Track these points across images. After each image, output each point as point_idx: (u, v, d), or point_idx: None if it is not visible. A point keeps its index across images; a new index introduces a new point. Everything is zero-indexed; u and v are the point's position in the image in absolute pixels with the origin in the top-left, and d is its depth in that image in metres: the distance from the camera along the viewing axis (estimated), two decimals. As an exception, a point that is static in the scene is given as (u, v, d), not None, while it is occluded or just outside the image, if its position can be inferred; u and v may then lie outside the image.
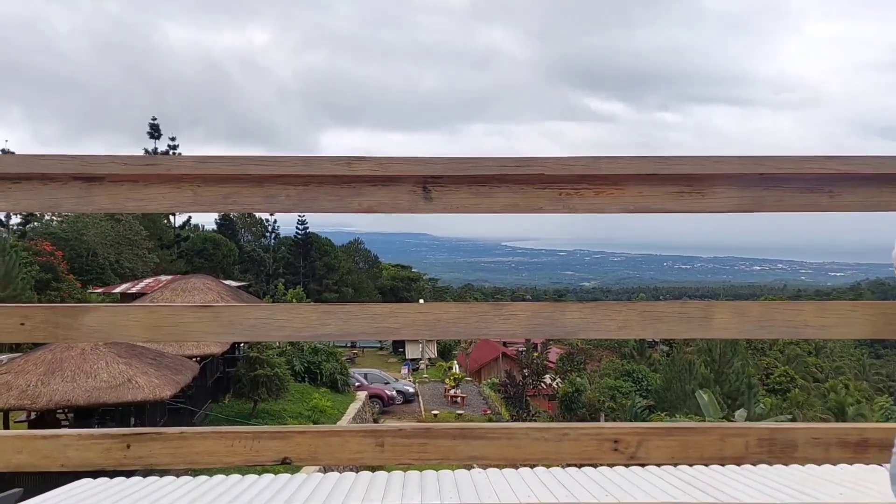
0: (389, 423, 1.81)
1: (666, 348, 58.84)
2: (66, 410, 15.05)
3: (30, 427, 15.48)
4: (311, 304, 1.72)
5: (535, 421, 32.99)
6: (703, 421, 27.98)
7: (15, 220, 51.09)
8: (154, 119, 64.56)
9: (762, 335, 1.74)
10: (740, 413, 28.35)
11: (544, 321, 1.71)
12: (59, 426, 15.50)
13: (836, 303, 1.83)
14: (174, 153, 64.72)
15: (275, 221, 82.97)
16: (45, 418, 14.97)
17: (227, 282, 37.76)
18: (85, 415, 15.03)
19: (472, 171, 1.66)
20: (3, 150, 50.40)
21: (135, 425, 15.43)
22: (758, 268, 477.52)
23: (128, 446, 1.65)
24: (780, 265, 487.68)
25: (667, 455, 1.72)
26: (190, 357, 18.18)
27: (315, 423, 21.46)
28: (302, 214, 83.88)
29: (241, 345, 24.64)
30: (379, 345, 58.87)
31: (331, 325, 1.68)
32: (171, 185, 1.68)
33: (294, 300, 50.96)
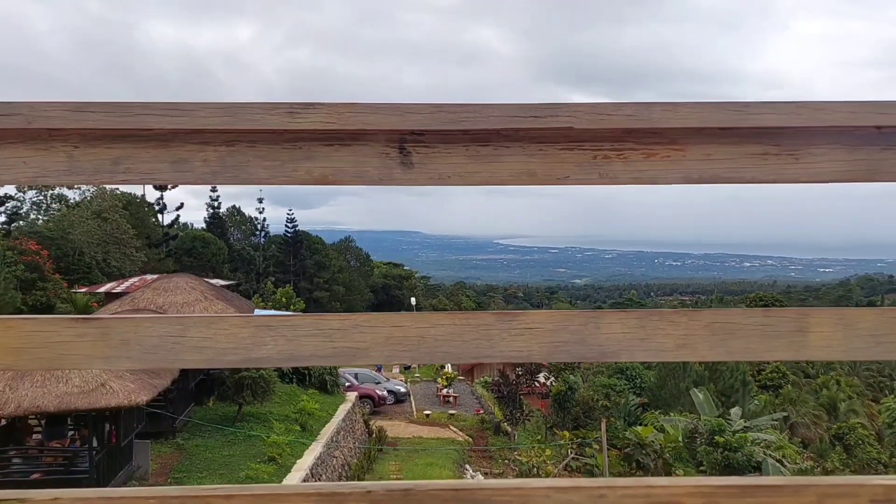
0: (354, 484, 1.25)
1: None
2: (38, 416, 14.46)
3: (0, 435, 14.91)
4: (244, 316, 1.23)
5: (528, 421, 32.57)
6: (706, 419, 27.66)
7: None
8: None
9: (880, 356, 1.25)
10: (735, 411, 28.03)
11: (571, 337, 1.23)
12: (31, 433, 14.90)
13: None
14: (162, 151, 63.98)
15: (264, 219, 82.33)
16: (16, 424, 14.37)
17: (215, 280, 37.16)
18: (57, 421, 14.42)
19: (469, 122, 1.19)
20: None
21: (110, 432, 14.86)
22: (748, 264, 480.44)
23: None
24: (770, 261, 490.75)
25: None
26: (170, 359, 17.17)
27: (302, 426, 20.93)
28: (261, 203, 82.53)
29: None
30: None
31: (269, 346, 1.20)
32: (36, 145, 1.19)
33: (284, 299, 50.40)
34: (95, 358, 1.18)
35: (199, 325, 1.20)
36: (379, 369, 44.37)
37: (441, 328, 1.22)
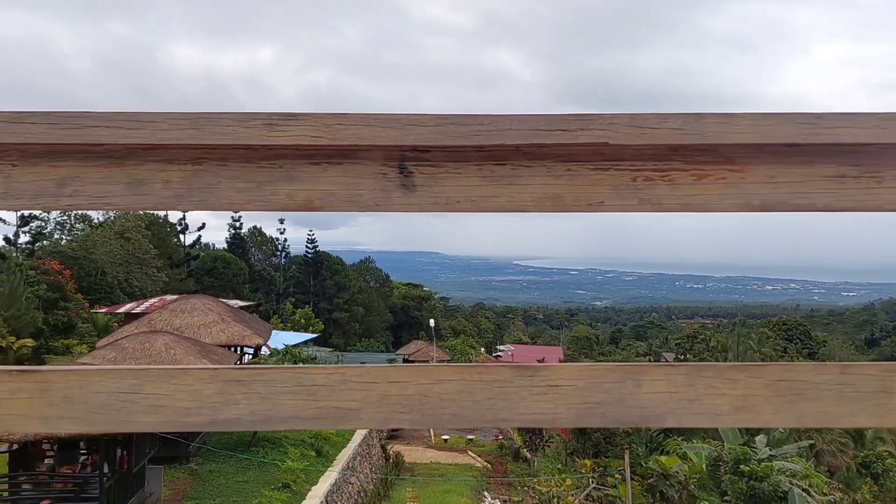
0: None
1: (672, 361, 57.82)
2: (52, 441, 14.31)
3: (10, 459, 14.75)
4: (210, 368, 1.03)
5: (548, 447, 32.04)
6: (723, 446, 27.03)
7: (24, 238, 51.00)
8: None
9: None
10: (760, 439, 27.38)
11: (606, 397, 1.03)
12: (44, 458, 14.75)
13: None
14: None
15: (285, 240, 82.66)
16: (28, 449, 14.22)
17: (233, 301, 37.15)
18: (70, 446, 14.21)
19: (483, 137, 1.01)
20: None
21: (122, 457, 14.67)
22: (770, 287, 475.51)
23: None
24: (793, 285, 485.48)
25: None
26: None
27: (318, 452, 20.64)
28: (282, 224, 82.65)
29: (244, 359, 23.88)
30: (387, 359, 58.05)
31: (240, 405, 1.01)
32: None
33: (303, 320, 50.40)
34: (31, 418, 0.99)
35: (156, 380, 1.01)
36: None
37: (448, 385, 1.02)
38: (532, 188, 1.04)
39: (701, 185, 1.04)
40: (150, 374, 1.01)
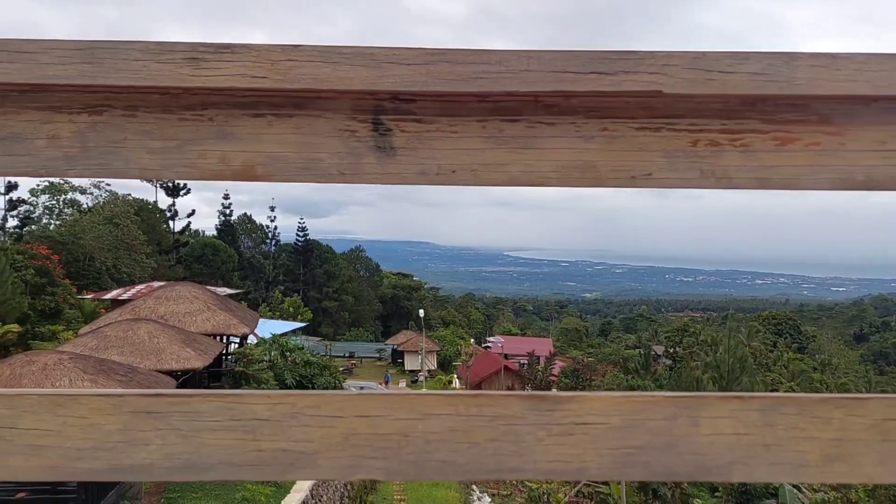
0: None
1: (668, 362, 57.86)
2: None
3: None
4: (114, 394, 0.78)
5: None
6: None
7: (11, 223, 50.50)
8: (154, 122, 63.62)
9: None
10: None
11: (651, 439, 0.79)
12: None
13: None
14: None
15: (275, 228, 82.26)
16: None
17: (221, 289, 36.80)
18: None
19: (488, 81, 0.78)
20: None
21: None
22: (760, 282, 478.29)
23: None
24: (783, 279, 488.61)
25: None
26: (168, 372, 16.73)
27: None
28: (272, 211, 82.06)
29: (228, 357, 23.61)
30: (377, 355, 57.76)
31: (153, 446, 0.78)
32: None
33: (291, 309, 50.10)
34: None
35: (37, 409, 0.76)
36: (387, 381, 43.89)
37: (436, 421, 0.78)
38: (555, 154, 0.80)
39: (785, 152, 0.80)
40: (29, 401, 0.76)
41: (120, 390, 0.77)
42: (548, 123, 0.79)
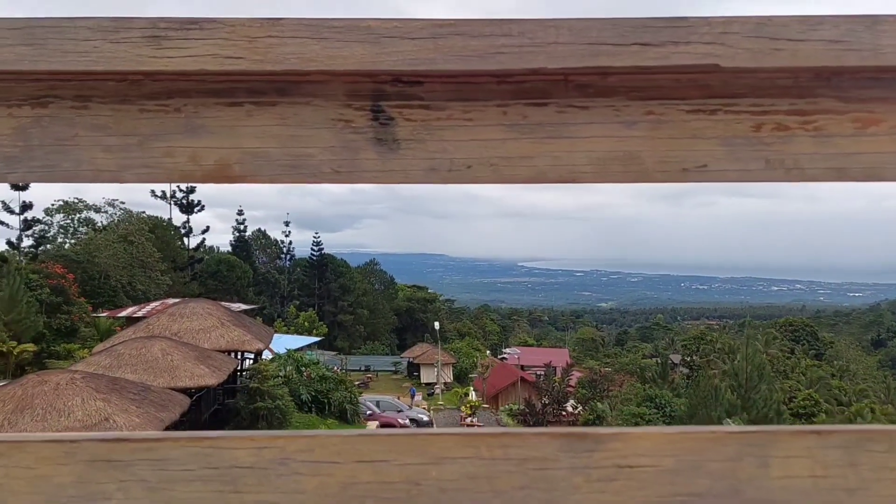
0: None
1: (686, 370, 57.33)
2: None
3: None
4: (66, 438, 0.66)
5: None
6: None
7: (27, 242, 50.86)
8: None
9: None
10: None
11: (712, 485, 0.68)
12: None
13: None
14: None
15: (290, 243, 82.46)
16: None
17: (235, 305, 36.82)
18: None
19: (508, 58, 0.67)
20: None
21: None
22: (776, 288, 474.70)
23: None
24: (799, 285, 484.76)
25: None
26: (181, 390, 16.66)
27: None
28: (287, 226, 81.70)
29: (243, 374, 23.57)
30: (393, 368, 57.59)
31: (113, 500, 0.67)
32: None
33: (306, 323, 50.06)
34: None
35: None
36: (412, 395, 43.71)
37: (453, 466, 0.67)
38: (590, 143, 0.68)
39: (867, 137, 0.67)
40: None
41: (74, 434, 0.65)
42: (581, 107, 0.68)
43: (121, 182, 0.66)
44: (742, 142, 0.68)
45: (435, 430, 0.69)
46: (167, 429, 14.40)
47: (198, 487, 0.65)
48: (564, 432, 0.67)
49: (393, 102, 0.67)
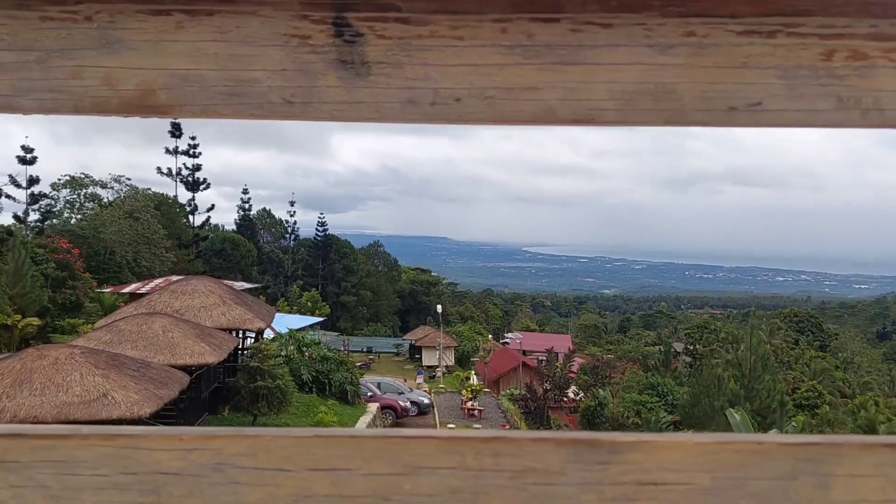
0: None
1: (689, 359, 57.28)
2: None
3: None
4: None
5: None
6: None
7: (33, 216, 50.91)
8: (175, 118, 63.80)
9: None
10: (773, 433, 26.94)
11: None
12: None
13: None
14: (195, 152, 64.35)
15: (295, 223, 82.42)
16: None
17: (238, 283, 36.81)
18: None
19: None
20: (23, 147, 50.25)
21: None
22: (781, 278, 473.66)
23: None
24: (804, 276, 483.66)
25: None
26: (182, 367, 16.53)
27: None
28: (292, 206, 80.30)
29: (244, 352, 23.58)
30: (395, 350, 57.66)
31: None
32: None
33: (309, 304, 50.07)
34: None
35: None
36: (420, 374, 43.79)
37: (432, 477, 0.54)
38: (613, 72, 0.54)
39: None
40: None
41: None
42: (602, 25, 0.53)
43: (17, 111, 0.52)
44: (807, 73, 0.54)
45: (411, 431, 0.55)
46: (167, 406, 14.38)
47: (111, 497, 0.52)
48: (572, 438, 0.54)
49: (362, 14, 0.53)
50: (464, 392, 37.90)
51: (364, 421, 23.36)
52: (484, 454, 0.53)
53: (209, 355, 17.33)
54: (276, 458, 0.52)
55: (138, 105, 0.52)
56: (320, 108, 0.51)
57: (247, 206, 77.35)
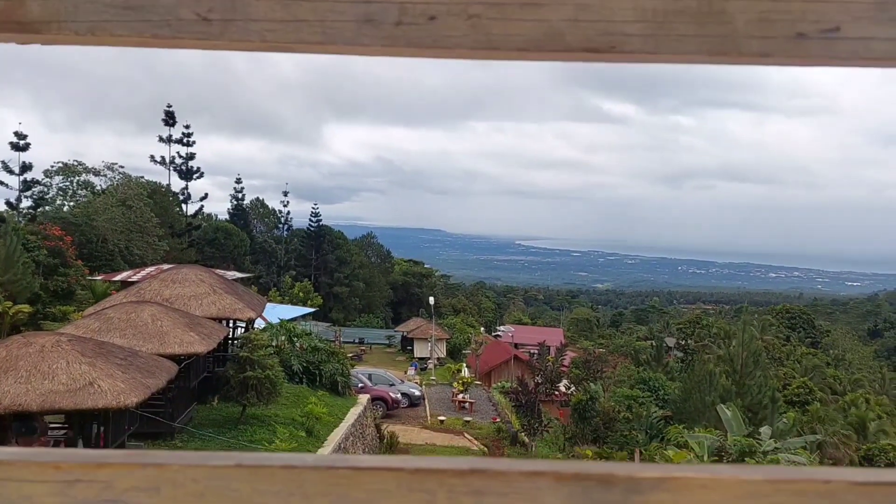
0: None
1: (680, 354, 57.41)
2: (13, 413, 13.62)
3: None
4: None
5: (546, 432, 31.55)
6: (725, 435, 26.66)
7: (25, 203, 50.60)
8: (169, 106, 63.43)
9: None
10: (765, 430, 26.91)
11: None
12: (7, 433, 13.97)
13: None
14: (189, 141, 63.94)
15: (288, 213, 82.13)
16: (2, 422, 13.66)
17: (230, 273, 36.62)
18: (26, 416, 13.42)
19: None
20: (16, 133, 49.87)
21: (97, 434, 14.02)
22: (773, 275, 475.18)
23: None
24: (797, 273, 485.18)
25: None
26: (170, 357, 16.36)
27: (308, 431, 20.07)
28: (286, 196, 79.14)
29: (234, 342, 23.44)
30: (387, 342, 57.57)
31: None
32: None
33: (301, 294, 49.89)
34: None
35: None
36: (414, 367, 43.74)
37: None
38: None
39: None
40: None
41: None
42: None
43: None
44: None
45: (364, 460, 0.40)
46: (155, 395, 14.15)
47: None
48: (576, 472, 0.38)
49: None
50: (455, 384, 37.87)
51: (354, 412, 23.25)
52: (459, 491, 0.37)
53: (198, 344, 17.14)
54: (184, 494, 0.38)
55: (1, 21, 0.39)
56: (246, 28, 0.37)
57: (240, 195, 77.06)
